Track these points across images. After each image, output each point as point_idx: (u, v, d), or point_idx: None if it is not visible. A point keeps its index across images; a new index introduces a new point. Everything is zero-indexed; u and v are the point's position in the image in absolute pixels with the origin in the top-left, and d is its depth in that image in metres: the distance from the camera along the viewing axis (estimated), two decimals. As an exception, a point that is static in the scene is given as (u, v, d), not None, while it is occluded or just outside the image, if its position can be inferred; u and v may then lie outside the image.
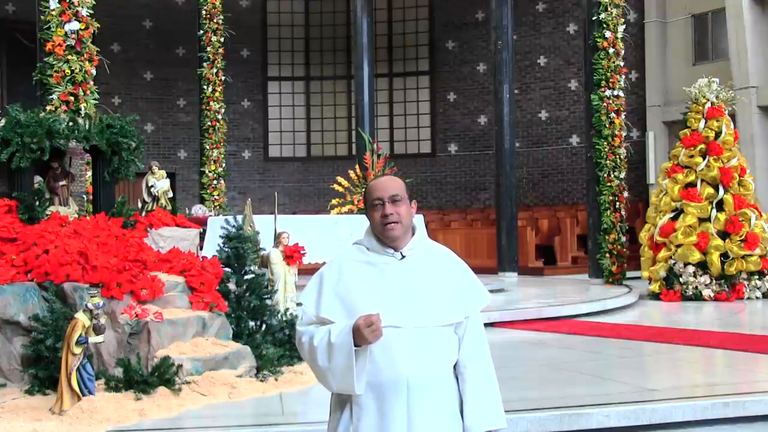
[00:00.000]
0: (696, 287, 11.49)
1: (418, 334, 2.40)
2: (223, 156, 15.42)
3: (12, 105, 6.75)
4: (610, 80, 13.13)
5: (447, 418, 2.44)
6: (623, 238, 13.10)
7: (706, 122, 12.09)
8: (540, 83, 19.85)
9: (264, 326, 6.51)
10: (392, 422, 2.37)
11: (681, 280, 11.58)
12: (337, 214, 12.54)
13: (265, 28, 21.36)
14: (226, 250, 6.63)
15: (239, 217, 7.49)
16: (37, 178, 6.87)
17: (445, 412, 2.44)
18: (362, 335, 2.32)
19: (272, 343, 6.29)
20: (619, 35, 13.32)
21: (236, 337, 6.16)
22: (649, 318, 10.18)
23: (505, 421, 2.56)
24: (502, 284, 12.76)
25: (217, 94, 15.26)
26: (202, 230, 9.44)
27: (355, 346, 2.35)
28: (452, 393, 2.48)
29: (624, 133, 13.35)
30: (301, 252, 7.51)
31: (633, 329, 8.93)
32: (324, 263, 2.65)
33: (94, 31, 8.67)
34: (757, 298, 11.62)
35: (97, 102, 8.62)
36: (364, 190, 2.71)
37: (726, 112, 12.32)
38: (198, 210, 13.85)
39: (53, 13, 8.45)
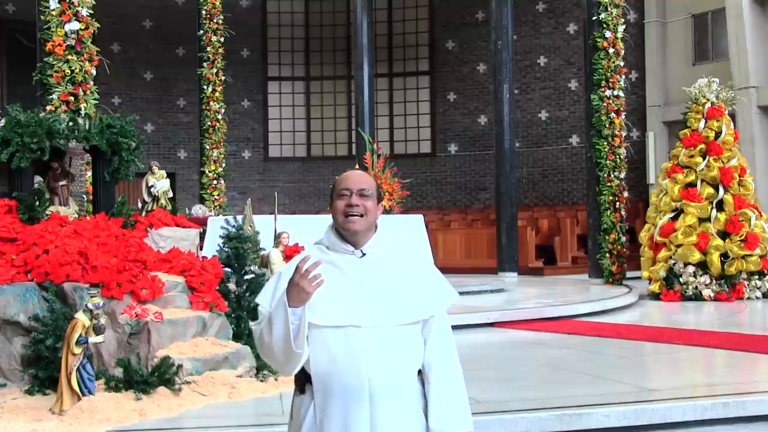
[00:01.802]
0: (696, 287, 11.49)
1: (379, 333, 2.31)
2: (223, 156, 15.42)
3: (12, 105, 6.75)
4: (610, 80, 13.14)
5: (412, 420, 2.35)
6: (623, 238, 13.10)
7: (706, 122, 12.09)
8: (540, 83, 19.85)
9: (264, 326, 6.50)
10: (355, 425, 2.28)
11: (681, 280, 11.58)
12: (337, 214, 12.51)
13: (265, 28, 21.36)
14: (226, 250, 6.63)
15: (239, 217, 7.50)
16: (37, 178, 6.86)
17: (410, 414, 2.35)
18: (296, 290, 2.22)
19: (272, 343, 6.28)
20: (619, 35, 13.32)
21: (236, 337, 6.16)
22: (649, 318, 10.18)
23: (472, 424, 2.45)
24: (502, 284, 12.76)
25: (217, 94, 15.26)
26: (202, 230, 9.44)
27: (293, 306, 2.24)
28: (417, 396, 2.39)
29: (624, 133, 13.35)
30: (301, 252, 7.50)
31: (633, 329, 8.93)
32: None
33: (94, 31, 8.67)
34: (757, 298, 11.62)
35: (97, 102, 8.61)
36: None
37: (726, 112, 12.32)
38: (198, 210, 13.87)
39: (53, 13, 8.45)
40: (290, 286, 2.24)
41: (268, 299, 2.42)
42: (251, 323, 2.48)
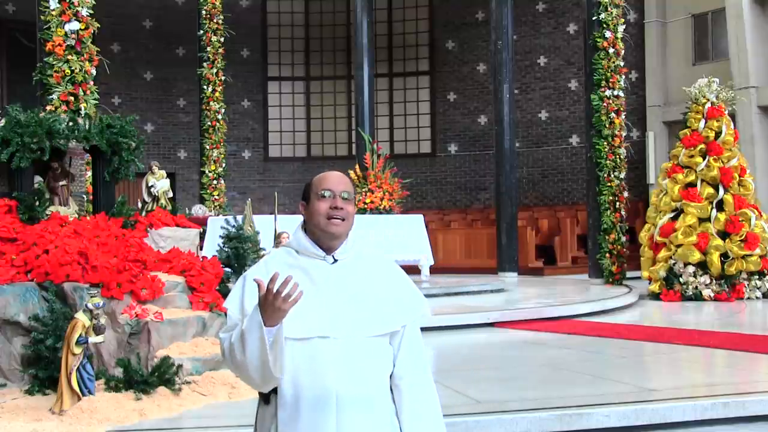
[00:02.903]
0: (696, 287, 11.49)
1: (349, 345, 2.21)
2: (223, 156, 15.42)
3: (12, 105, 6.75)
4: (610, 80, 13.14)
5: (382, 430, 2.26)
6: (623, 238, 13.10)
7: (706, 122, 12.09)
8: (540, 83, 19.85)
9: (264, 326, 6.49)
10: None
11: (681, 280, 11.58)
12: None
13: (265, 28, 21.36)
14: (226, 250, 6.64)
15: (239, 217, 7.51)
16: (37, 178, 6.87)
17: (380, 424, 2.25)
18: (271, 310, 2.06)
19: (272, 343, 6.28)
20: (619, 35, 13.32)
21: (236, 337, 6.14)
22: (649, 318, 10.18)
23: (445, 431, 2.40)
24: (502, 284, 12.76)
25: (217, 94, 15.27)
26: (202, 230, 9.44)
27: (269, 325, 2.08)
28: (387, 409, 2.29)
29: (624, 133, 13.35)
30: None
31: (633, 329, 8.93)
32: None
33: (94, 31, 8.67)
34: (757, 298, 11.62)
35: (97, 102, 8.61)
36: (307, 183, 2.43)
37: (726, 112, 12.32)
38: (198, 210, 13.88)
39: (53, 13, 8.44)
40: (262, 306, 2.08)
41: (236, 306, 2.27)
42: (221, 333, 2.33)
